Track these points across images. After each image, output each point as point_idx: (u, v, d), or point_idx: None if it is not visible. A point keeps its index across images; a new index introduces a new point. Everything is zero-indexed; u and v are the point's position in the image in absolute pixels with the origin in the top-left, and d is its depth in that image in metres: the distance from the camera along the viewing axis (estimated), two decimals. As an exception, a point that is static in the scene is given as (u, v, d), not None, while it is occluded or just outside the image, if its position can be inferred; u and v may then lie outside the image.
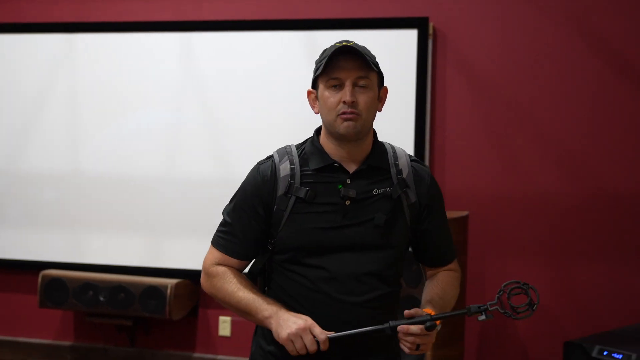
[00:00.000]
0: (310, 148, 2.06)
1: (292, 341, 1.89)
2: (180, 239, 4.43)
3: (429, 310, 1.93)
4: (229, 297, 2.02)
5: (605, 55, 3.99)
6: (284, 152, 2.06)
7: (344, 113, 1.95)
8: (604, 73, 3.98)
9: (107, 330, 4.58)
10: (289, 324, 1.90)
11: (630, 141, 3.97)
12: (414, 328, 1.89)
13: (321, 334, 1.88)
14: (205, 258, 2.11)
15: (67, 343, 4.69)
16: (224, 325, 4.46)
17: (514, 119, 4.10)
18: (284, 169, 2.02)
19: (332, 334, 1.91)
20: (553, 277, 4.06)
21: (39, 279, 4.40)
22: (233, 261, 2.07)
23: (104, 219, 4.52)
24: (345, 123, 1.95)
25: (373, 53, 2.08)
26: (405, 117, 4.11)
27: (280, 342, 1.91)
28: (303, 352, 1.89)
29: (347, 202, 1.99)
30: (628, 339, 3.41)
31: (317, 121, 4.25)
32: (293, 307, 1.98)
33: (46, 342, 4.72)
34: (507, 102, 4.10)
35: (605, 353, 3.25)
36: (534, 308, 1.88)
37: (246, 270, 2.12)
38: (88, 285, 4.33)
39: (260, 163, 2.08)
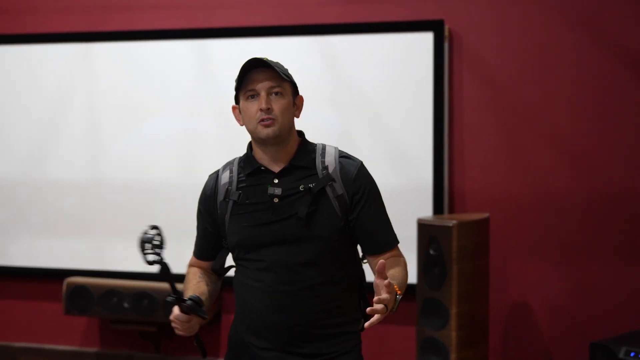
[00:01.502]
0: (244, 157, 2.33)
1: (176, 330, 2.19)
2: (201, 245, 4.45)
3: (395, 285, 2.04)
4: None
5: (619, 56, 3.96)
6: (228, 163, 2.35)
7: (262, 120, 2.18)
8: (619, 74, 3.96)
9: (132, 336, 4.62)
10: None
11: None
12: None
13: (173, 313, 2.16)
14: None
15: (92, 350, 4.74)
16: (248, 331, 4.48)
17: (530, 120, 4.08)
18: (224, 177, 2.31)
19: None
20: (575, 277, 4.05)
21: (64, 287, 4.45)
22: (201, 262, 2.39)
23: (126, 226, 4.55)
24: (265, 130, 2.18)
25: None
26: (423, 120, 4.10)
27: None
28: (187, 332, 2.18)
29: (275, 200, 2.21)
30: (654, 339, 3.40)
31: (331, 125, 4.25)
32: (244, 296, 2.26)
33: (71, 349, 4.77)
34: (523, 104, 4.08)
35: (632, 354, 3.25)
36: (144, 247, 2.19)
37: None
38: (112, 292, 4.37)
39: (209, 175, 2.38)
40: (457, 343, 3.53)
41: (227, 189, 2.28)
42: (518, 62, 4.08)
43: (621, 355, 3.27)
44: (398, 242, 2.30)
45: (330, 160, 2.25)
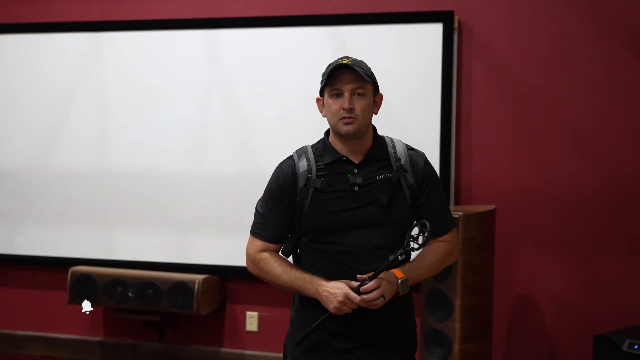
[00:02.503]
0: (322, 147, 2.48)
1: (339, 310, 2.31)
2: (207, 235, 4.45)
3: (396, 271, 2.35)
4: (276, 280, 2.46)
5: (631, 48, 3.95)
6: (302, 151, 2.49)
7: (343, 118, 2.37)
8: (629, 65, 3.94)
9: (136, 326, 4.62)
10: (331, 299, 2.32)
11: (659, 134, 3.94)
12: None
13: (355, 298, 2.29)
14: (247, 247, 2.55)
15: (96, 339, 4.74)
16: (251, 321, 4.48)
17: (539, 112, 4.07)
18: (302, 165, 2.45)
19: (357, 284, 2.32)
20: (580, 270, 4.03)
21: (69, 276, 4.46)
22: (272, 246, 2.51)
23: (132, 216, 4.57)
24: (346, 127, 2.37)
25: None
26: (431, 111, 4.10)
27: (332, 312, 2.34)
28: (348, 312, 2.32)
29: (356, 188, 2.40)
30: (658, 332, 3.38)
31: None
32: (320, 276, 2.39)
33: (75, 338, 4.78)
34: (532, 95, 4.07)
35: (635, 347, 3.23)
36: (425, 235, 2.31)
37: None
38: (117, 281, 4.37)
39: (282, 163, 2.50)
40: (461, 335, 3.51)
41: (308, 176, 2.42)
42: (528, 53, 4.07)
43: (625, 347, 3.26)
44: (454, 227, 2.54)
45: (400, 152, 2.47)
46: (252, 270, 2.54)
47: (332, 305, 2.31)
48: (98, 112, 4.60)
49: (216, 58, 4.45)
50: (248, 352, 4.50)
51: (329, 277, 2.38)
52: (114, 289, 4.37)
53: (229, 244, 4.33)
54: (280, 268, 2.45)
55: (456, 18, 4.08)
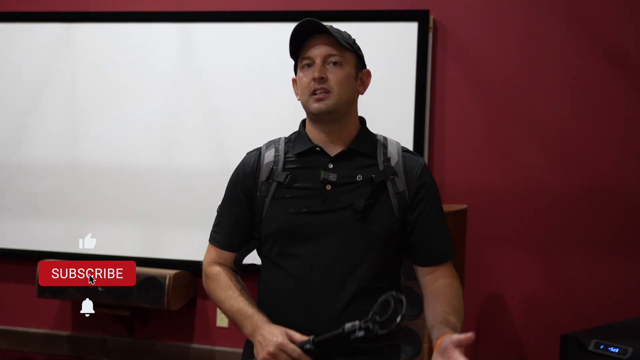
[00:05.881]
0: (295, 135, 2.04)
1: None
2: (179, 230, 4.43)
3: (450, 335, 1.77)
4: (219, 305, 2.04)
5: (603, 50, 3.98)
6: (272, 141, 2.06)
7: (315, 91, 1.92)
8: (601, 68, 3.98)
9: (105, 320, 4.59)
10: (263, 346, 1.86)
11: (628, 135, 3.97)
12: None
13: (293, 351, 1.82)
14: (204, 257, 2.12)
15: (64, 333, 4.69)
16: (222, 316, 4.46)
17: (512, 112, 4.09)
18: (269, 156, 2.00)
19: (304, 339, 1.84)
20: (550, 271, 4.07)
21: (37, 269, 4.40)
22: (226, 254, 2.06)
23: (102, 209, 4.52)
24: (317, 103, 1.92)
25: (360, 41, 2.06)
26: (405, 110, 4.10)
27: None
28: None
29: (328, 187, 1.93)
30: (624, 333, 3.41)
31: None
32: (276, 299, 1.96)
33: (44, 332, 4.72)
34: (505, 96, 4.10)
35: (601, 347, 3.26)
36: (397, 320, 1.76)
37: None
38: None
39: (248, 153, 2.09)
40: (431, 333, 3.52)
41: (272, 168, 1.97)
42: (503, 54, 4.09)
43: (591, 347, 3.28)
44: (454, 257, 2.03)
45: (393, 152, 1.99)
46: (204, 287, 2.10)
47: (261, 355, 1.86)
48: (69, 104, 4.55)
49: (189, 52, 4.41)
50: (218, 348, 4.49)
51: (283, 305, 1.93)
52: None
53: (200, 239, 4.22)
54: (225, 293, 2.00)
55: (431, 17, 4.08)
